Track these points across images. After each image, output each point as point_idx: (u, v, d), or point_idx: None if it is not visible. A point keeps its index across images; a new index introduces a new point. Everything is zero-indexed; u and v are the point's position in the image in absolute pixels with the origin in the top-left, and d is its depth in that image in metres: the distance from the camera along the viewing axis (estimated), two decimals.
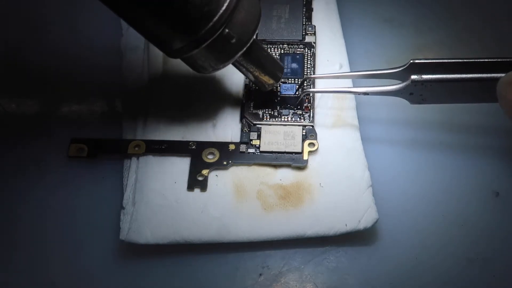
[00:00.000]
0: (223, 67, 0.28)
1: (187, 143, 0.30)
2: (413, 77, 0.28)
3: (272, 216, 0.28)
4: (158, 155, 0.30)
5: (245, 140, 0.30)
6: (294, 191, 0.29)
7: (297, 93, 0.32)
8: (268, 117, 0.31)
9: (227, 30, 0.26)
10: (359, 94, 0.30)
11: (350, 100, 0.32)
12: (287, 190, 0.29)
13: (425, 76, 0.28)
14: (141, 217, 0.28)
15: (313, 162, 0.30)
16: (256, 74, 0.30)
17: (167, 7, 0.25)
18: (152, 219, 0.28)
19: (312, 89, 0.32)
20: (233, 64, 0.29)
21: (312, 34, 0.34)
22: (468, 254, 0.28)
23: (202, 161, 0.30)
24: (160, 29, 0.26)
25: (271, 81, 0.30)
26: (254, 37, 0.28)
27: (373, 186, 0.29)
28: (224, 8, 0.25)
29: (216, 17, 0.25)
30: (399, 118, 0.33)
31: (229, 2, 0.25)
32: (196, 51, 0.26)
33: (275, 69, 0.30)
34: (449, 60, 0.28)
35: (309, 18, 0.35)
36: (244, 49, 0.27)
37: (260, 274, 0.28)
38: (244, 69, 0.29)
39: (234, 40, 0.26)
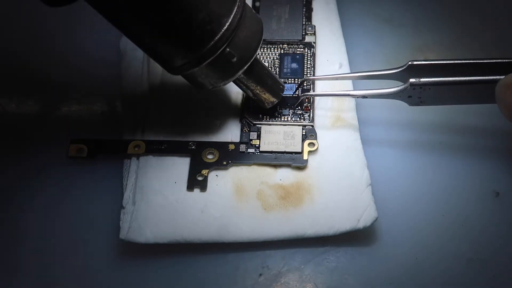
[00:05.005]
0: (224, 85, 0.28)
1: (187, 143, 0.30)
2: (412, 80, 0.28)
3: (272, 216, 0.28)
4: (158, 155, 0.30)
5: (245, 140, 0.30)
6: (294, 191, 0.29)
7: (296, 92, 0.32)
8: (268, 117, 0.31)
9: (228, 49, 0.26)
10: (357, 97, 0.30)
11: (349, 100, 0.32)
12: (287, 190, 0.29)
13: (423, 79, 0.27)
14: (141, 217, 0.28)
15: (313, 162, 0.30)
16: (257, 92, 0.29)
17: (169, 24, 0.25)
18: (152, 219, 0.28)
19: (310, 93, 0.32)
20: (234, 82, 0.29)
21: (312, 34, 0.34)
22: (468, 254, 0.28)
23: (202, 161, 0.30)
24: (161, 46, 0.26)
25: (272, 99, 0.30)
26: (256, 55, 0.27)
27: (373, 186, 0.29)
28: (226, 27, 0.25)
29: (218, 36, 0.25)
30: (398, 119, 0.33)
31: (231, 21, 0.25)
32: (197, 69, 0.26)
33: (276, 87, 0.30)
34: (448, 61, 0.28)
35: (309, 18, 0.35)
36: (245, 67, 0.27)
37: (260, 274, 0.28)
38: (244, 87, 0.29)
39: (235, 59, 0.26)
